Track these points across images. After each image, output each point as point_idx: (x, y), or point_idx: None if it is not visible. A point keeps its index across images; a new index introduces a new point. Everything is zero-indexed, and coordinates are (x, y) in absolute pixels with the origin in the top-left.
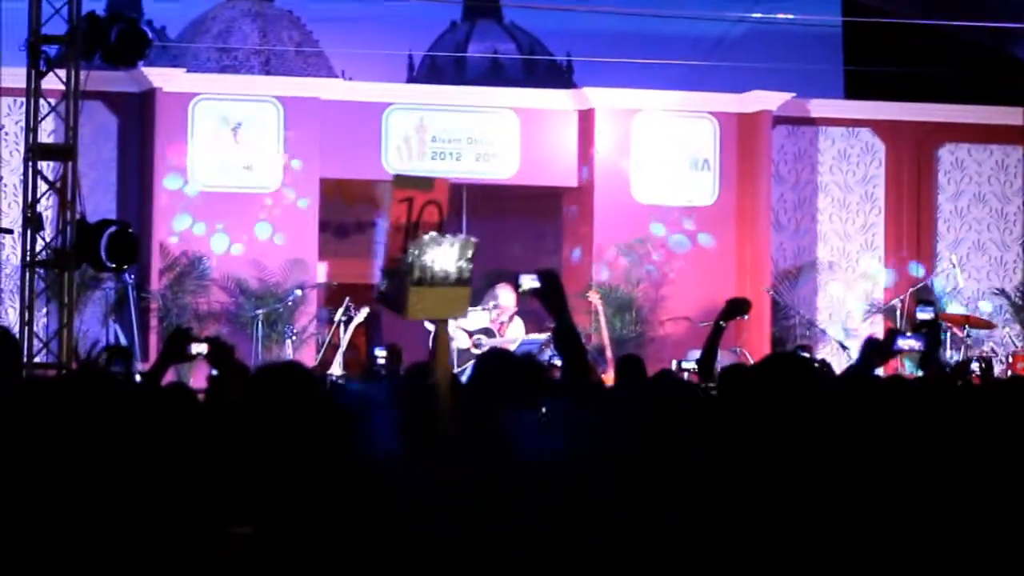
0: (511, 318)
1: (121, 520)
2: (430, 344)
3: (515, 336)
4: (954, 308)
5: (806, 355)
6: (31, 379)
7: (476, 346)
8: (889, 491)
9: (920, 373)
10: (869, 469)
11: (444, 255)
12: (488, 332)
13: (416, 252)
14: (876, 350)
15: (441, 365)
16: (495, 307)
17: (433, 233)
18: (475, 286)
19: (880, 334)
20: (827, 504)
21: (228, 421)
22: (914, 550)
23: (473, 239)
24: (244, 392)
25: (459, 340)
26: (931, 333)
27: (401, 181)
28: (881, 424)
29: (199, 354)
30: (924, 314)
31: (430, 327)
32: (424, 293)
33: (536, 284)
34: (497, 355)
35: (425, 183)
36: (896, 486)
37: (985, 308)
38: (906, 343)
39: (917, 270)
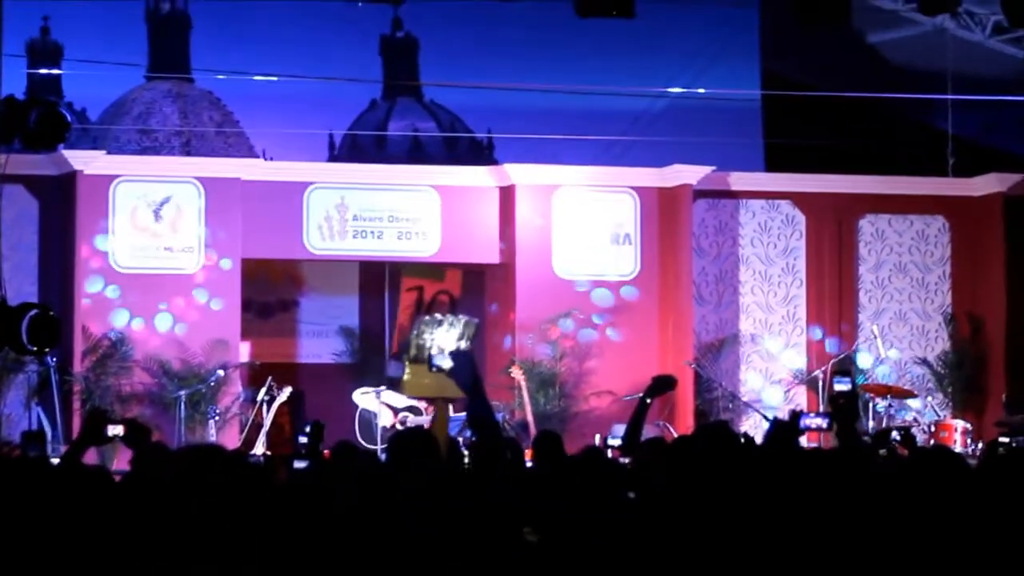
0: (420, 397)
1: None
2: (355, 421)
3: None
4: (880, 377)
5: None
6: None
7: (401, 424)
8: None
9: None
10: (783, 536)
11: (444, 335)
12: (415, 410)
13: (416, 332)
14: (782, 431)
15: (439, 442)
16: (391, 386)
17: (436, 314)
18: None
19: (787, 412)
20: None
21: (148, 500)
22: None
23: (475, 320)
24: (169, 472)
25: (383, 418)
26: (848, 405)
27: (410, 270)
28: (797, 493)
29: (116, 436)
30: (841, 385)
31: (361, 404)
32: (421, 371)
33: (449, 363)
34: (406, 435)
35: (436, 273)
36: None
37: (893, 355)
38: (812, 422)
39: (838, 342)
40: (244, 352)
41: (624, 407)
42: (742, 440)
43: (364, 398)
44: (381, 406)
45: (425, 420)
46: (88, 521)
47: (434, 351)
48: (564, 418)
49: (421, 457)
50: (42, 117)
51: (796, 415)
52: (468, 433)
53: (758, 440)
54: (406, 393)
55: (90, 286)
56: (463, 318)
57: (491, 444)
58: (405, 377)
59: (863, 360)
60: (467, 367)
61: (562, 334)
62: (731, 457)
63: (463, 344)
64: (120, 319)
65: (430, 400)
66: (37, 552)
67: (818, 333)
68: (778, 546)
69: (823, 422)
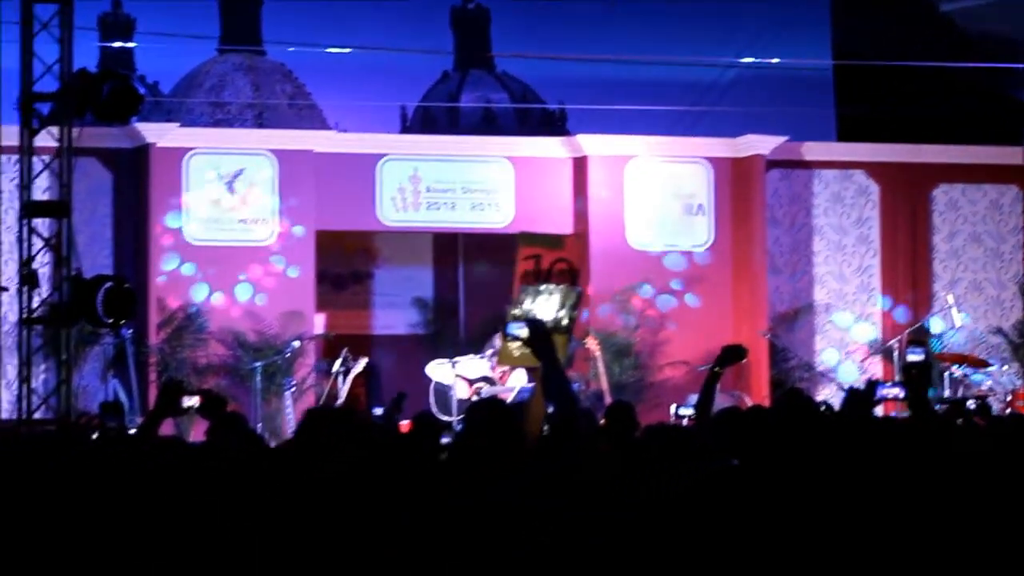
0: (513, 367)
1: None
2: (431, 394)
3: (516, 384)
4: (955, 347)
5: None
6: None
7: (476, 394)
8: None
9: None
10: (861, 508)
11: (545, 304)
12: (489, 380)
13: (518, 301)
14: (858, 400)
15: (535, 416)
16: (494, 355)
17: (540, 285)
18: (472, 334)
19: (863, 381)
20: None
21: (225, 471)
22: None
23: (577, 289)
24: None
25: (459, 389)
26: (921, 375)
27: (526, 239)
28: (873, 463)
29: (192, 407)
30: (914, 356)
31: (435, 376)
32: (512, 342)
33: (525, 332)
34: (487, 404)
35: (553, 241)
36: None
37: (967, 324)
38: (888, 391)
39: (912, 312)
40: (319, 324)
41: (699, 377)
42: (821, 409)
43: (438, 370)
44: (456, 377)
45: (499, 390)
46: (165, 491)
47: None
48: (639, 388)
49: (495, 428)
50: (115, 90)
51: (872, 384)
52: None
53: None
54: (505, 364)
55: (164, 259)
56: (563, 287)
57: (568, 415)
58: (502, 347)
59: (937, 330)
60: (543, 336)
61: (640, 303)
62: (808, 426)
63: (565, 313)
64: (195, 291)
65: (530, 370)
66: (115, 520)
67: (892, 303)
68: (854, 516)
69: (899, 392)
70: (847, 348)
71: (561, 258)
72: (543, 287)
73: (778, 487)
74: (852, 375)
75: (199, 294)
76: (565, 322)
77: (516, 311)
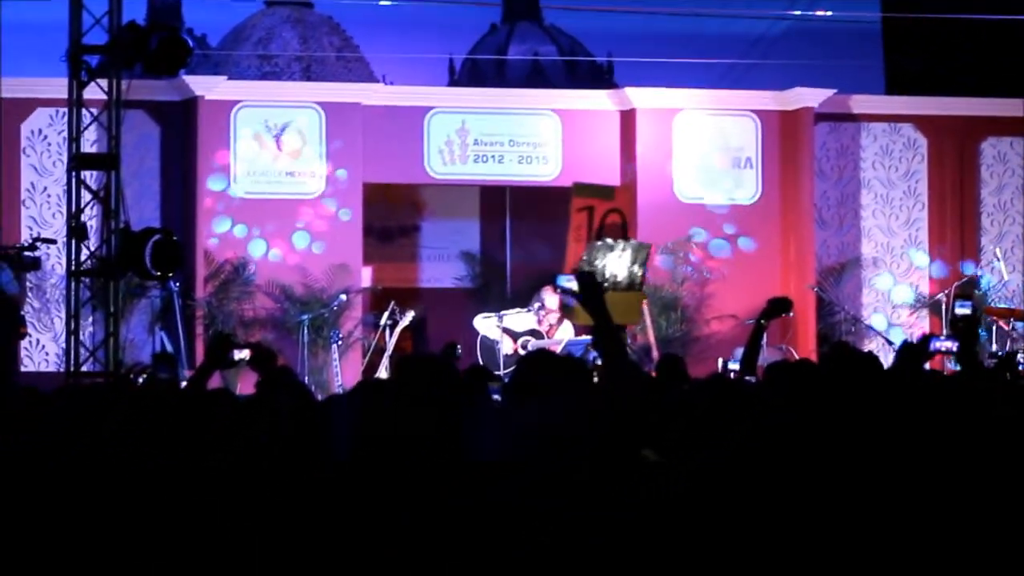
0: (560, 320)
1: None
2: (477, 348)
3: (562, 338)
4: (1003, 301)
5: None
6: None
7: (523, 348)
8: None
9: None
10: (909, 463)
11: (616, 260)
12: (535, 334)
13: (587, 258)
14: (912, 353)
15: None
16: (541, 309)
17: (606, 239)
18: (519, 287)
19: (917, 334)
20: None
21: (273, 425)
22: (958, 546)
23: (647, 244)
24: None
25: (505, 344)
26: (969, 328)
27: (580, 190)
28: (921, 418)
29: (242, 360)
30: (963, 309)
31: (482, 330)
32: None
33: (574, 285)
34: (539, 355)
35: (605, 192)
36: (938, 480)
37: (1016, 278)
38: (942, 344)
39: (961, 264)
40: (365, 277)
41: (746, 331)
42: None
43: (485, 323)
44: (502, 331)
45: (545, 343)
46: (214, 444)
47: (608, 277)
48: (686, 342)
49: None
50: (164, 43)
51: (927, 338)
52: (592, 356)
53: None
54: (578, 321)
55: (212, 211)
56: (634, 242)
57: (619, 366)
58: (576, 305)
59: (985, 283)
60: (594, 288)
61: (683, 257)
62: (861, 380)
63: (638, 269)
64: (242, 244)
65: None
66: (167, 471)
67: (940, 256)
68: (908, 472)
69: (952, 345)
70: (894, 302)
71: (613, 209)
72: (614, 243)
73: (831, 442)
74: (899, 328)
75: (247, 247)
76: (639, 279)
77: (586, 266)
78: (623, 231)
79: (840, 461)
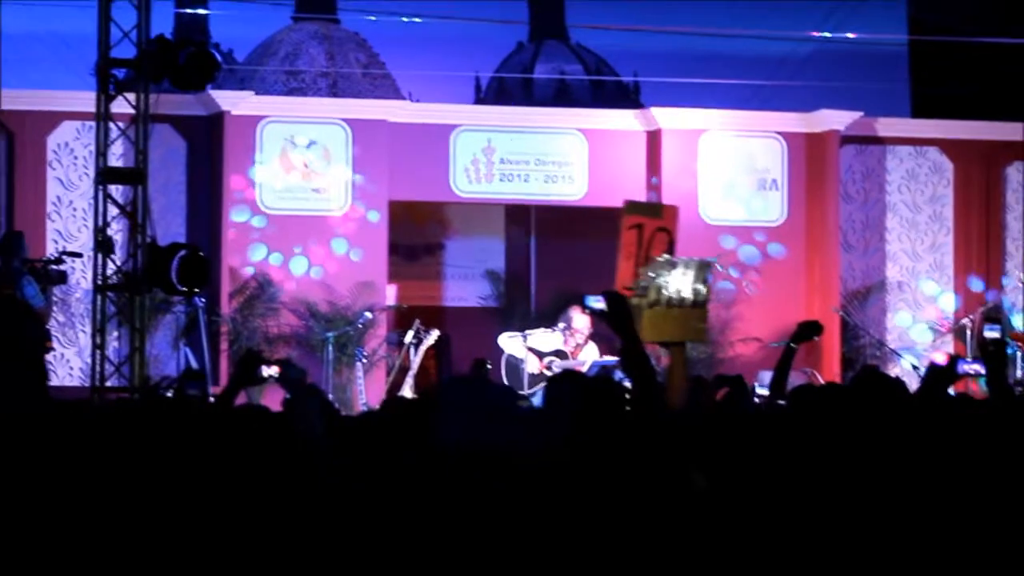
0: (585, 341)
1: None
2: (502, 367)
3: (588, 359)
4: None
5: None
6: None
7: (548, 368)
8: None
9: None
10: (938, 488)
11: (680, 278)
12: (561, 354)
13: (652, 275)
14: (939, 376)
15: (675, 389)
16: (566, 329)
17: (668, 255)
18: (543, 307)
19: (944, 358)
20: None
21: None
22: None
23: (709, 260)
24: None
25: (530, 364)
26: (997, 352)
27: (632, 207)
28: (951, 443)
29: (270, 377)
30: (992, 332)
31: (507, 349)
32: (661, 316)
33: (602, 305)
34: (568, 376)
35: (654, 210)
36: (967, 504)
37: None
38: (970, 367)
39: (986, 289)
40: (390, 295)
41: (770, 353)
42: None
43: (510, 343)
44: (527, 352)
45: (571, 364)
46: (246, 459)
47: (672, 294)
48: (710, 364)
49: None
50: (192, 57)
51: (954, 360)
52: (618, 376)
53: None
54: (646, 339)
55: (237, 227)
56: (696, 259)
57: (647, 387)
58: (645, 323)
59: (1008, 307)
60: (623, 309)
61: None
62: (889, 403)
63: (703, 287)
64: (267, 260)
65: (667, 345)
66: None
67: (965, 281)
68: (937, 493)
69: (980, 368)
70: (919, 326)
71: (661, 227)
72: (678, 260)
73: (857, 465)
74: (924, 353)
75: (272, 263)
76: (703, 297)
77: (646, 283)
78: (670, 250)
79: (869, 483)
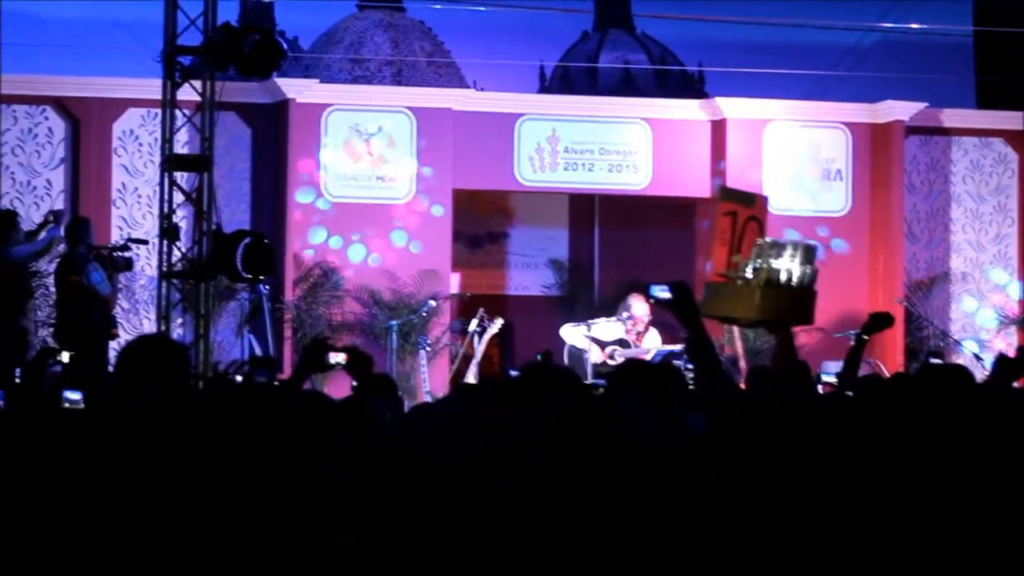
0: (646, 328)
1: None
2: (564, 357)
3: (651, 347)
4: None
5: (938, 361)
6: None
7: (611, 358)
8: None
9: None
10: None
11: (787, 260)
12: (623, 343)
13: (758, 256)
14: (1008, 367)
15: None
16: (629, 318)
17: (772, 238)
18: (607, 296)
19: (1011, 349)
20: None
21: (370, 430)
22: None
23: (813, 243)
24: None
25: (593, 354)
26: None
27: (726, 194)
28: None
29: (337, 364)
30: None
31: (569, 339)
32: (767, 296)
33: (667, 295)
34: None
35: (748, 199)
36: None
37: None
38: None
39: None
40: (454, 283)
41: (834, 344)
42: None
43: (572, 333)
44: (589, 342)
45: (634, 352)
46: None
47: (781, 276)
48: (774, 354)
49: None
50: (258, 45)
51: (1023, 351)
52: (681, 363)
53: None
54: (753, 317)
55: (301, 215)
56: (801, 243)
57: (713, 375)
58: (758, 303)
59: None
60: (688, 298)
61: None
62: (957, 394)
63: (810, 270)
64: (331, 247)
65: (772, 324)
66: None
67: None
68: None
69: None
70: (983, 316)
71: (753, 216)
72: (784, 243)
73: (926, 456)
74: (988, 343)
75: (335, 251)
76: (809, 280)
77: (749, 266)
78: (760, 236)
79: (937, 475)
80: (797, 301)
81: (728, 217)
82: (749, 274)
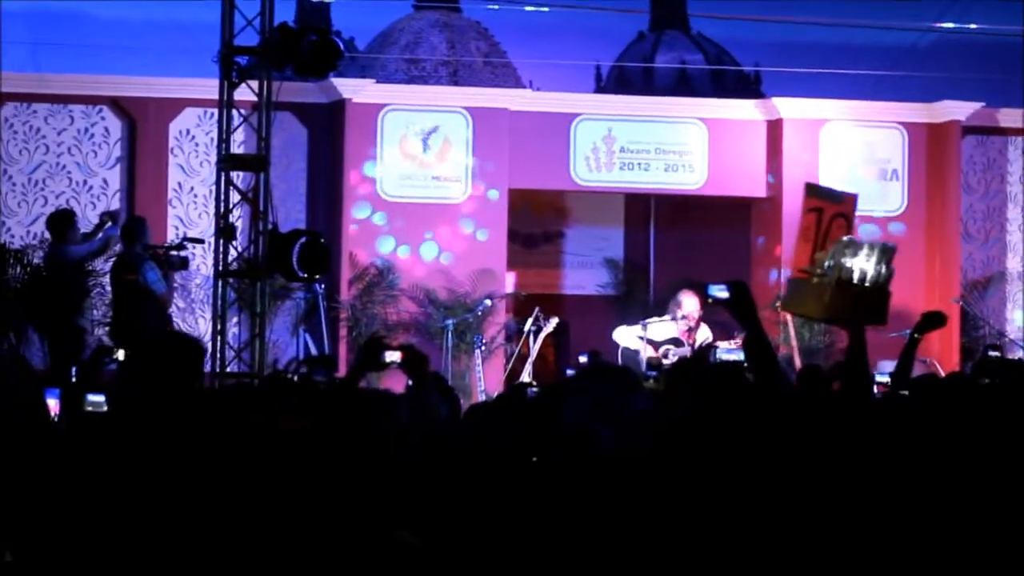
0: (697, 324)
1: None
2: (618, 359)
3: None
4: None
5: (997, 354)
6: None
7: (664, 357)
8: None
9: None
10: None
11: (861, 259)
12: (676, 342)
13: (833, 254)
14: None
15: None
16: (683, 317)
17: (850, 236)
18: (662, 296)
19: None
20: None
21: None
22: None
23: (892, 244)
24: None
25: (646, 354)
26: None
27: (812, 191)
28: None
29: (393, 362)
30: None
31: (622, 341)
32: (838, 295)
33: (725, 294)
34: (690, 366)
35: (836, 196)
36: None
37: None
38: None
39: None
40: (509, 282)
41: (890, 343)
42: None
43: (625, 335)
44: (642, 344)
45: (688, 350)
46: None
47: (854, 276)
48: (829, 354)
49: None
50: (314, 45)
51: None
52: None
53: None
54: (824, 318)
55: (357, 213)
56: (881, 243)
57: (770, 375)
58: (827, 301)
59: None
60: (746, 298)
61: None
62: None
63: (885, 269)
64: (387, 247)
65: (844, 322)
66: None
67: None
68: None
69: None
70: None
71: (840, 213)
72: (862, 243)
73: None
74: None
75: (391, 250)
76: (884, 279)
77: (831, 263)
78: (848, 233)
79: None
80: (868, 301)
81: (813, 214)
82: (825, 272)
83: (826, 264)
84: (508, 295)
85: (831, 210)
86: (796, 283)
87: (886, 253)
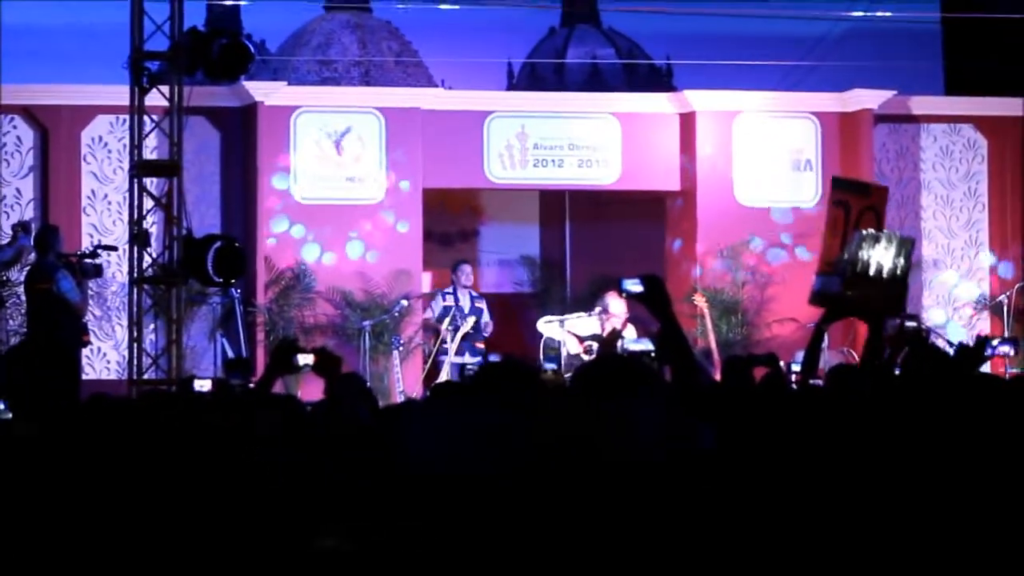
0: (624, 325)
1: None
2: (540, 349)
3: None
4: None
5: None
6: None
7: (587, 351)
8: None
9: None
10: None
11: (883, 252)
12: (598, 338)
13: (852, 247)
14: (967, 357)
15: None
16: (602, 312)
17: (870, 229)
18: (579, 291)
19: (972, 335)
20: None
21: (342, 431)
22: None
23: (911, 237)
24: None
25: (569, 345)
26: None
27: (838, 183)
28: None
29: (306, 365)
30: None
31: (546, 332)
32: (854, 288)
33: (639, 288)
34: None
35: (862, 188)
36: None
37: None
38: (1000, 348)
39: (1022, 266)
40: (426, 282)
41: (807, 334)
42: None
43: (548, 327)
44: (566, 334)
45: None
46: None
47: (872, 269)
48: (747, 346)
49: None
50: (225, 49)
51: (982, 341)
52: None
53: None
54: (842, 308)
55: (272, 218)
56: (900, 235)
57: (686, 370)
58: (848, 293)
59: None
60: (660, 291)
61: (743, 260)
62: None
63: (903, 262)
64: (302, 250)
65: (862, 315)
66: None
67: (1001, 257)
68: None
69: (1010, 349)
70: (955, 304)
71: (869, 206)
72: (880, 235)
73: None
74: (960, 331)
75: (307, 253)
76: (902, 272)
77: (850, 258)
78: (877, 227)
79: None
80: (885, 292)
81: (839, 207)
82: (844, 266)
83: (844, 257)
84: (425, 295)
85: (859, 204)
86: (823, 277)
87: (904, 245)
